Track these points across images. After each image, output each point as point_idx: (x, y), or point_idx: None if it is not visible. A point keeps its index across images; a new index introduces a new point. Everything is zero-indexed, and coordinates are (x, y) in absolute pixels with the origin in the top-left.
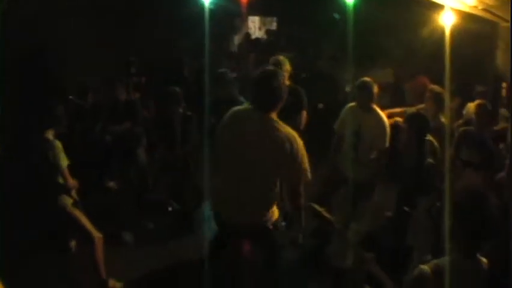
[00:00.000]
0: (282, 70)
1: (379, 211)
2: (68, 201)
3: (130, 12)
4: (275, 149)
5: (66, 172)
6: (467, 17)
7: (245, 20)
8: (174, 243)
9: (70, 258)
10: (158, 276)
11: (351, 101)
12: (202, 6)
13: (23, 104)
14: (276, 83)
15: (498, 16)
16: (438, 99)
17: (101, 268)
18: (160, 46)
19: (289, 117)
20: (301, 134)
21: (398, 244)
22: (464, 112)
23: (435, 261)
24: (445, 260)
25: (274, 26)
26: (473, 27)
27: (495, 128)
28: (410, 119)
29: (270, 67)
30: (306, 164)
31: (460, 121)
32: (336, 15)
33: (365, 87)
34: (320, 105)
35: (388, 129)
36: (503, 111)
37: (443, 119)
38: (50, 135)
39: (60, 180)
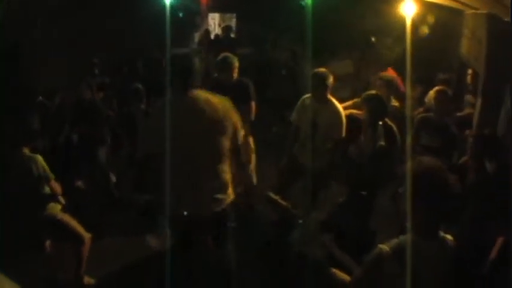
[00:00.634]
0: (231, 67)
1: (337, 198)
2: (57, 208)
3: (95, 13)
4: (209, 120)
5: (54, 182)
6: (431, 6)
7: (205, 17)
8: (141, 238)
9: (45, 257)
10: (127, 271)
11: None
12: (163, 5)
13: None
14: (188, 62)
15: (463, 3)
16: (389, 85)
17: (83, 266)
18: (122, 45)
19: (238, 108)
20: (251, 125)
21: (361, 229)
22: (426, 100)
23: (395, 240)
24: (406, 239)
25: (233, 22)
26: (437, 16)
27: (459, 114)
28: (366, 100)
29: (183, 50)
30: (239, 123)
31: (421, 109)
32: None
33: (319, 78)
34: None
35: (344, 119)
36: (468, 97)
37: (395, 103)
38: (27, 150)
39: (47, 190)
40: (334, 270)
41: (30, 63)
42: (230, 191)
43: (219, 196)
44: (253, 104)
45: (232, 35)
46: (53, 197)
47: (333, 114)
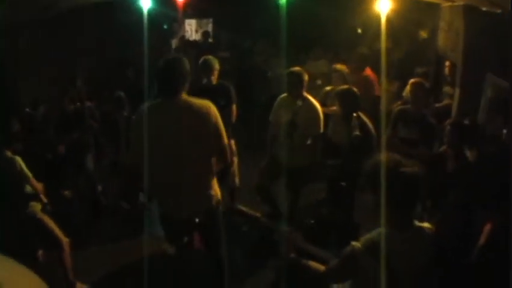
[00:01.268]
0: (212, 69)
1: (319, 194)
2: (37, 207)
3: (76, 23)
4: (193, 125)
5: (33, 180)
6: (407, 1)
7: (182, 24)
8: (128, 243)
9: (38, 267)
10: (117, 276)
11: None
12: (141, 12)
13: None
14: (178, 68)
15: None
16: (342, 75)
17: (70, 271)
18: (104, 54)
19: (220, 111)
20: (232, 128)
21: (345, 222)
22: (403, 94)
23: (367, 235)
24: (379, 233)
25: (210, 27)
26: (414, 10)
27: (437, 105)
28: (339, 94)
29: (173, 55)
30: (221, 125)
31: (399, 102)
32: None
33: (295, 76)
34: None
35: (321, 115)
36: (447, 89)
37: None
38: (8, 152)
39: (28, 189)
40: (307, 261)
41: (14, 72)
42: (216, 191)
43: (206, 194)
44: (234, 107)
45: (210, 40)
46: (34, 196)
47: (311, 111)
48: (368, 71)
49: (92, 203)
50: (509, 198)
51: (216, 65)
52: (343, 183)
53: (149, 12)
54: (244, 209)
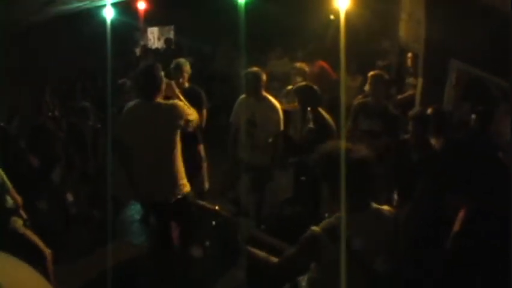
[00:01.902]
0: (183, 72)
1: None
2: (18, 222)
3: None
4: (166, 122)
5: (13, 191)
6: None
7: (145, 32)
8: (102, 251)
9: None
10: (96, 283)
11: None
12: (104, 23)
13: None
14: (155, 73)
15: None
16: (302, 72)
17: (53, 281)
18: (72, 65)
19: None
20: (202, 132)
21: (311, 216)
22: (365, 88)
23: (326, 220)
24: (337, 217)
25: (172, 34)
26: (373, 3)
27: (400, 96)
28: (297, 90)
29: (149, 62)
30: (192, 115)
31: (360, 96)
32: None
33: (252, 76)
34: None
35: (281, 114)
36: (410, 80)
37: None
38: None
39: (8, 203)
40: (251, 248)
41: None
42: (185, 181)
43: (178, 183)
44: (205, 111)
45: (173, 47)
46: (15, 211)
47: (270, 110)
48: (322, 63)
49: (62, 213)
50: (509, 198)
51: (187, 68)
52: (303, 178)
53: (112, 22)
54: (202, 202)
